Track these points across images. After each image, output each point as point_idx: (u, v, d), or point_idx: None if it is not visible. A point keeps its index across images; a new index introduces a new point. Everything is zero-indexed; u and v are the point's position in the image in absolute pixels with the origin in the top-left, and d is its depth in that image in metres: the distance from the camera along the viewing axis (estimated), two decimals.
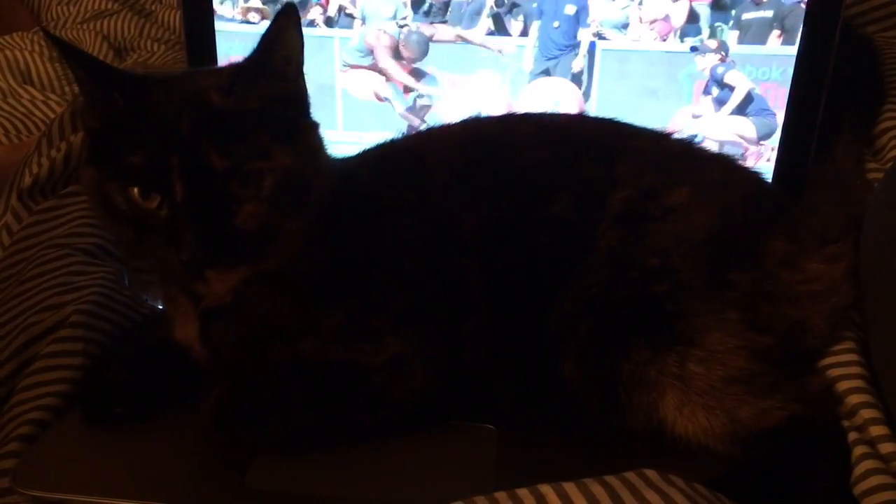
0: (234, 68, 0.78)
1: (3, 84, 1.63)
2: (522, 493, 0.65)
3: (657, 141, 0.93)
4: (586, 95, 1.10)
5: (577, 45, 1.09)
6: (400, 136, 0.97)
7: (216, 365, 0.84)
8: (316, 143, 0.81)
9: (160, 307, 1.05)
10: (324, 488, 0.76)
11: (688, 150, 0.94)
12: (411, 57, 1.12)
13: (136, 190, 0.72)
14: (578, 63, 1.09)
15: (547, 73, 1.10)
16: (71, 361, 0.88)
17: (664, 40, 1.07)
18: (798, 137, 1.06)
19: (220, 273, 0.77)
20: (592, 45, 1.08)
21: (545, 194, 0.86)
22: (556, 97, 1.11)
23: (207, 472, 0.79)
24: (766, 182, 0.96)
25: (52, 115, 1.54)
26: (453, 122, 0.96)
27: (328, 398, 0.80)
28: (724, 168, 0.93)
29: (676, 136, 0.97)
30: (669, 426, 0.78)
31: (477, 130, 0.95)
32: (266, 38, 0.74)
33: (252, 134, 0.73)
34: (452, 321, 0.84)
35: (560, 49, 1.09)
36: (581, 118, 1.01)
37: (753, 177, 0.94)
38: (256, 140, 0.73)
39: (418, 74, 1.13)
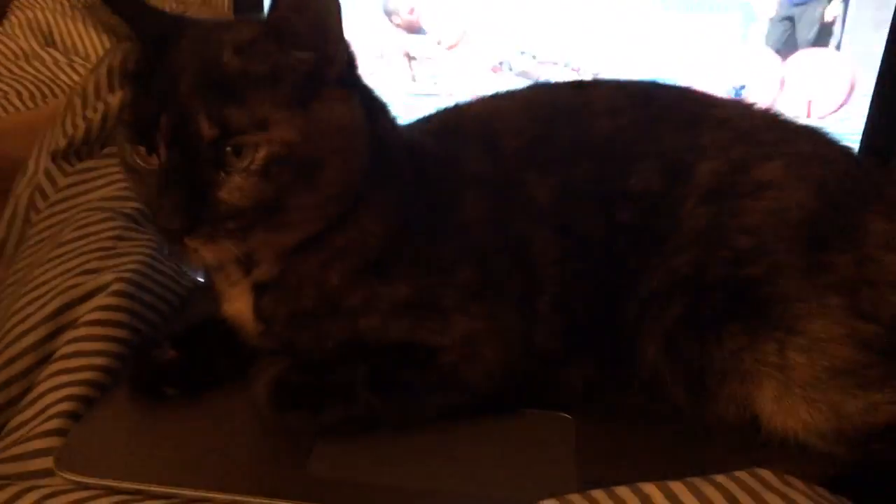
0: (256, 26, 0.70)
1: (24, 46, 1.57)
2: (623, 492, 0.60)
3: (742, 110, 0.87)
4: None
5: None
6: (465, 100, 0.90)
7: (270, 342, 0.79)
8: (344, 113, 0.71)
9: (201, 279, 1.00)
10: (393, 477, 0.70)
11: (774, 120, 0.87)
12: None
13: (142, 148, 0.68)
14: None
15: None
16: (115, 333, 0.83)
17: None
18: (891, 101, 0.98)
19: (206, 244, 0.69)
20: None
21: (625, 164, 0.80)
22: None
23: (264, 459, 0.73)
24: (857, 156, 0.90)
25: (77, 79, 1.48)
26: (519, 87, 0.90)
27: (393, 380, 0.75)
28: (816, 141, 0.86)
29: (759, 105, 0.90)
30: (765, 420, 0.73)
31: (546, 95, 0.89)
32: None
33: (252, 101, 0.66)
34: (524, 299, 0.79)
35: None
36: (656, 84, 0.94)
37: (846, 150, 0.87)
38: (255, 108, 0.66)
39: None
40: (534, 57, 1.07)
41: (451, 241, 0.78)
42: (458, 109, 0.88)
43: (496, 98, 0.90)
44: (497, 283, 0.78)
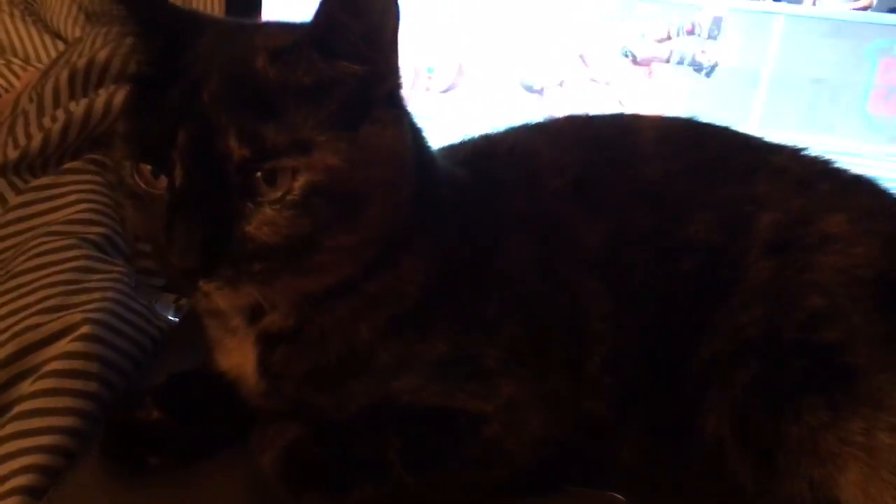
0: (293, 30, 0.60)
1: None
2: None
3: (797, 157, 0.81)
4: None
5: None
6: (496, 130, 0.81)
7: (276, 404, 0.67)
8: (396, 139, 0.62)
9: (174, 319, 0.87)
10: None
11: (828, 168, 0.81)
12: None
13: (147, 168, 0.56)
14: None
15: None
16: (84, 386, 0.70)
17: None
18: None
19: (224, 288, 0.57)
20: None
21: (681, 212, 0.73)
22: None
23: None
24: None
25: (16, 83, 1.34)
26: (555, 118, 0.82)
27: (429, 454, 0.64)
28: (872, 191, 0.80)
29: (809, 151, 0.84)
30: None
31: (586, 130, 0.80)
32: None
33: (292, 118, 0.55)
34: (571, 359, 0.69)
35: None
36: (701, 124, 0.87)
37: None
38: (296, 126, 0.55)
39: None
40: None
41: (494, 292, 0.68)
42: (489, 140, 0.79)
43: (530, 130, 0.81)
44: (543, 340, 0.69)
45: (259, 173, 0.54)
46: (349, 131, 0.57)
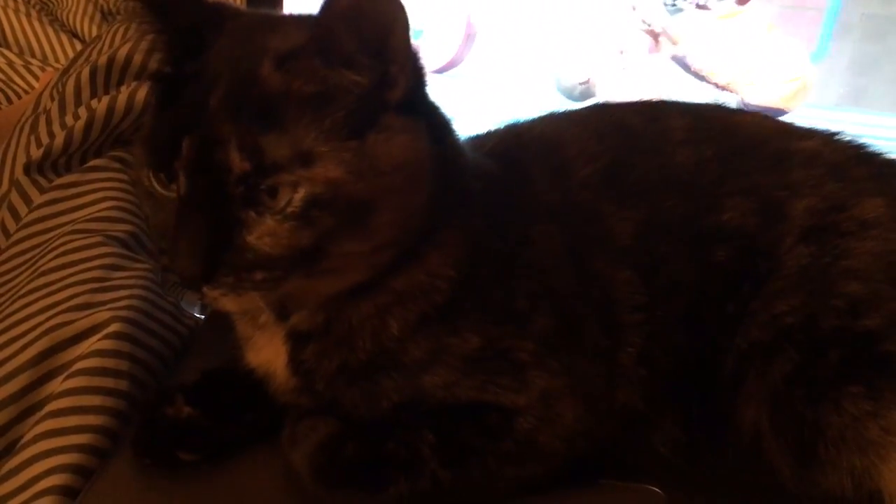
0: (306, 35, 0.57)
1: None
2: None
3: (828, 142, 0.79)
4: None
5: None
6: (521, 120, 0.80)
7: (308, 400, 0.66)
8: (405, 146, 0.59)
9: (201, 316, 0.87)
10: None
11: (861, 153, 0.79)
12: None
13: (162, 175, 0.56)
14: None
15: None
16: (115, 384, 0.69)
17: None
18: None
19: (225, 295, 0.57)
20: None
21: (714, 200, 0.71)
22: None
23: None
24: None
25: (35, 84, 1.34)
26: (579, 108, 0.81)
27: (463, 450, 0.63)
28: None
29: (843, 136, 0.82)
30: (889, 499, 0.63)
31: (613, 118, 0.79)
32: (348, 5, 0.54)
33: (294, 128, 0.54)
34: (605, 350, 0.68)
35: None
36: (730, 110, 0.85)
37: None
38: (299, 136, 0.54)
39: None
40: None
41: (526, 284, 0.67)
42: (516, 130, 0.78)
43: (556, 118, 0.80)
44: (575, 332, 0.68)
45: (255, 187, 0.54)
46: (355, 139, 0.56)
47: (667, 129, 0.75)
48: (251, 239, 0.55)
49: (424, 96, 0.64)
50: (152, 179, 0.57)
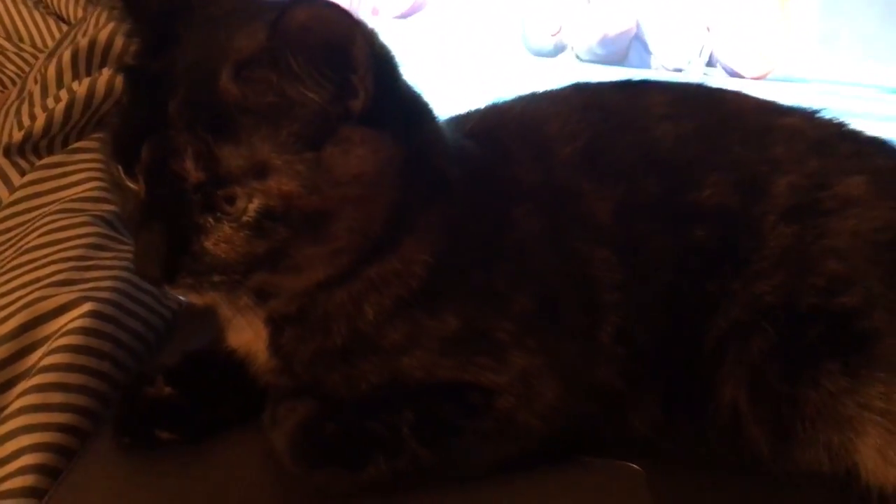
0: (266, 38, 0.55)
1: None
2: None
3: (810, 119, 0.79)
4: None
5: None
6: (502, 100, 0.79)
7: (288, 381, 0.66)
8: (364, 158, 0.57)
9: (185, 300, 0.87)
10: None
11: (843, 130, 0.79)
12: None
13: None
14: None
15: None
16: (97, 365, 0.69)
17: None
18: None
19: (185, 294, 0.59)
20: None
21: (694, 176, 0.71)
22: None
23: None
24: None
25: (27, 69, 1.33)
26: (559, 87, 0.80)
27: (442, 428, 0.63)
28: (892, 153, 0.78)
29: (824, 113, 0.82)
30: (865, 472, 0.64)
31: (593, 96, 0.79)
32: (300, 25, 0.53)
33: (250, 139, 0.54)
34: (584, 329, 0.68)
35: None
36: (712, 88, 0.85)
37: None
38: (255, 148, 0.54)
39: None
40: None
41: (504, 265, 0.67)
42: (497, 110, 0.78)
43: (537, 98, 0.79)
44: (554, 311, 0.68)
45: (210, 197, 0.54)
46: (312, 151, 0.55)
47: (647, 106, 0.75)
48: (208, 245, 0.56)
49: (397, 89, 0.63)
50: (121, 171, 0.58)
